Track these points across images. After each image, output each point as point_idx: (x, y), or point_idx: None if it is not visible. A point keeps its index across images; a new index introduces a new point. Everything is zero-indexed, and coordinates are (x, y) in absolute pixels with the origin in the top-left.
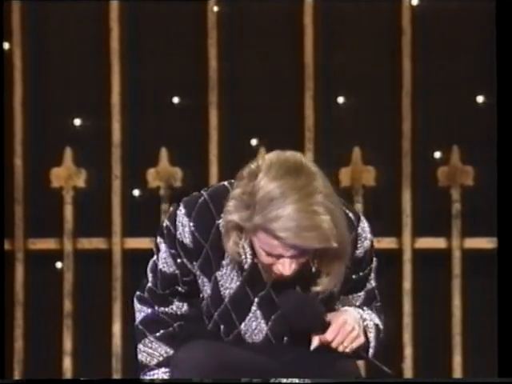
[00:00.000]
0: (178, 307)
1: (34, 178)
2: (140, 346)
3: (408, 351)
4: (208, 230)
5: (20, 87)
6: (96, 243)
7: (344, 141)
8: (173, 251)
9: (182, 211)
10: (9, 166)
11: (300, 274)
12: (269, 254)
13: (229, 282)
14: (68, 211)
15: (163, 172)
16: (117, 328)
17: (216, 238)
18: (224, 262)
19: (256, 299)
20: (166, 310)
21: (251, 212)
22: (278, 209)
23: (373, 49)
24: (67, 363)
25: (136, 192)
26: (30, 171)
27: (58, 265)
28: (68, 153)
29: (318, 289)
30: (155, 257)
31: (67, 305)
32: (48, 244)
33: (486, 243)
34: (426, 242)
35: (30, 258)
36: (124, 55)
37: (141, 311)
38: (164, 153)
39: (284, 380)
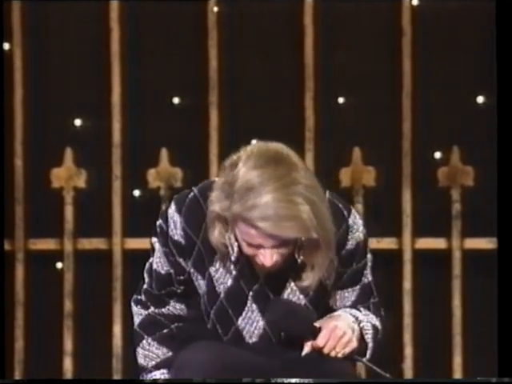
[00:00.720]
0: (175, 308)
1: (34, 179)
2: (138, 349)
3: (408, 351)
4: (199, 226)
5: (20, 87)
6: (96, 243)
7: (344, 141)
8: (166, 250)
9: (172, 208)
10: (9, 167)
11: (286, 266)
12: (249, 245)
13: (223, 277)
14: (68, 211)
15: (163, 172)
16: (117, 328)
17: (207, 233)
18: (216, 257)
19: (251, 293)
20: (163, 310)
21: (230, 201)
22: (256, 198)
23: (373, 49)
24: (68, 363)
25: (136, 192)
26: (31, 171)
27: (59, 265)
28: (68, 153)
29: (304, 284)
30: (151, 258)
31: (67, 305)
32: (48, 244)
33: (486, 244)
34: (426, 243)
35: (31, 258)
36: (124, 55)
37: (138, 314)
38: (164, 153)
39: (284, 380)
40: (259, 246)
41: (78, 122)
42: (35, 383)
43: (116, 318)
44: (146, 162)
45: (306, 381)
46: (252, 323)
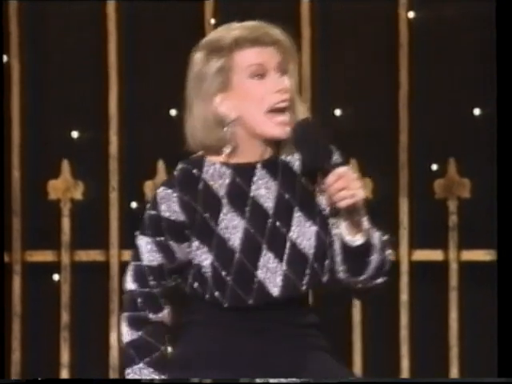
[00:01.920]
0: (168, 316)
1: (31, 190)
2: (129, 371)
3: (405, 363)
4: (195, 190)
5: (18, 99)
6: (93, 255)
7: (341, 153)
8: (159, 238)
9: (160, 189)
10: (6, 178)
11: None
12: (254, 74)
13: (232, 229)
14: (65, 223)
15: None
16: (114, 340)
17: (206, 195)
18: (222, 214)
19: (264, 239)
20: (159, 316)
21: (224, 46)
22: (244, 24)
23: (370, 61)
24: (64, 375)
25: (133, 204)
26: (28, 183)
27: (56, 277)
28: (65, 165)
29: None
30: (135, 262)
31: (64, 317)
32: (45, 256)
33: (483, 255)
34: (423, 254)
35: (28, 270)
36: (121, 67)
37: (130, 334)
38: (161, 165)
39: (284, 380)
40: (263, 70)
41: (75, 134)
42: (35, 383)
43: (113, 329)
44: (143, 173)
45: (306, 381)
46: (272, 270)
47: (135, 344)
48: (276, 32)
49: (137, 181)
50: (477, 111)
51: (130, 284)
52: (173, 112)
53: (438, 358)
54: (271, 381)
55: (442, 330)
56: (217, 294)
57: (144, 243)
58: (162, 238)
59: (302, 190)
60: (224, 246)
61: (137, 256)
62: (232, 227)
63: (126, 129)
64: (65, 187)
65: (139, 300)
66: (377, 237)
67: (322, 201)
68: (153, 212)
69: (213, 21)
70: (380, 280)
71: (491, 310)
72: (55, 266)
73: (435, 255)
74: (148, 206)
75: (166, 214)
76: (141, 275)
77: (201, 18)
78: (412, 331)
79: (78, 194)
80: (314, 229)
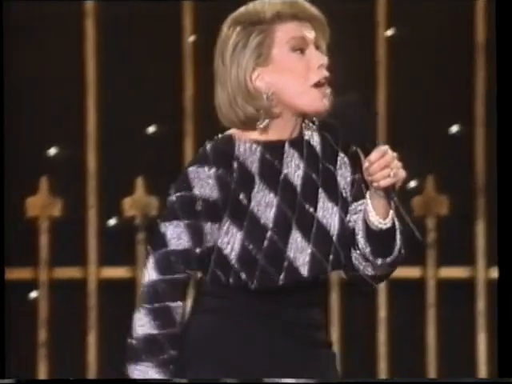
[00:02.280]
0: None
1: (9, 207)
2: (135, 368)
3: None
4: (229, 167)
5: None
6: (71, 272)
7: None
8: (188, 221)
9: (192, 168)
10: None
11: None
12: (296, 48)
13: (264, 207)
14: (43, 240)
15: (139, 201)
16: (92, 357)
17: (240, 171)
18: (254, 191)
19: (294, 217)
20: (180, 304)
21: (264, 20)
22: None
23: (347, 78)
24: None
25: (112, 221)
26: (6, 200)
27: (33, 294)
28: (44, 182)
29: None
30: (158, 250)
31: (42, 334)
32: (23, 273)
33: (461, 272)
34: (401, 271)
35: (5, 287)
36: (99, 84)
37: (146, 328)
38: (140, 182)
39: (284, 380)
40: (304, 44)
41: (53, 151)
42: (34, 383)
43: (91, 347)
44: (122, 190)
45: (307, 381)
46: (300, 250)
47: (147, 339)
48: (312, 8)
49: (115, 198)
50: (454, 128)
51: (152, 273)
52: (151, 129)
53: (416, 375)
54: (266, 380)
55: (419, 347)
56: (243, 275)
57: (171, 228)
58: (194, 221)
59: (324, 171)
60: (256, 224)
61: (161, 243)
62: (265, 204)
63: (104, 146)
64: (43, 204)
65: (161, 289)
66: (397, 221)
67: (342, 183)
68: (184, 193)
69: (191, 38)
70: (395, 268)
71: (469, 326)
72: (33, 283)
73: (413, 272)
74: (175, 188)
75: (201, 193)
76: (165, 262)
77: (180, 36)
78: (390, 348)
79: (56, 211)
80: (336, 210)
